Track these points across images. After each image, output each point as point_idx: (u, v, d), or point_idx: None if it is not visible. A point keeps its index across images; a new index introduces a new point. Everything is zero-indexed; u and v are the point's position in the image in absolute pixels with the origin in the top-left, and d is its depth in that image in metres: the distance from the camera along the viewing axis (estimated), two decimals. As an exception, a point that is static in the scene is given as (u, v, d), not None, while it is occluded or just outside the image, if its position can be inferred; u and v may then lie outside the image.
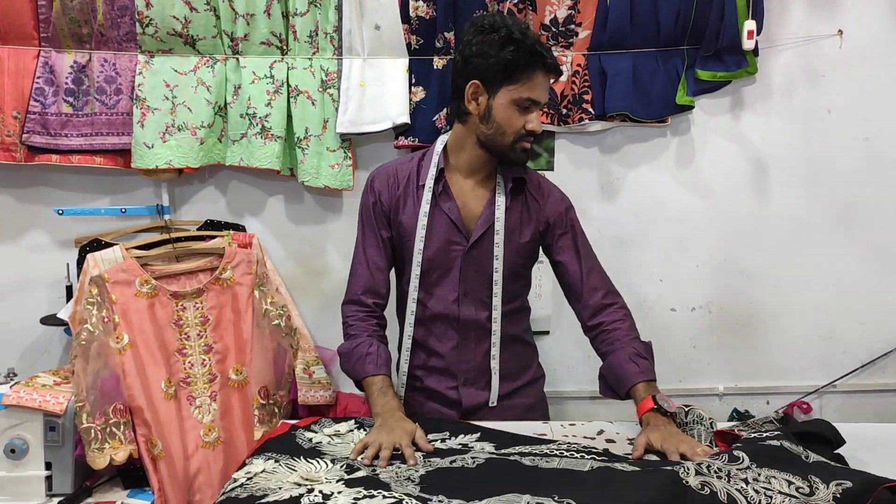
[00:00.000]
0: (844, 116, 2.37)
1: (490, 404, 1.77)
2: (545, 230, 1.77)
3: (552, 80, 1.69)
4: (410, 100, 2.20)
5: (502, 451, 1.45)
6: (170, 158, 2.15)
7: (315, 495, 1.22)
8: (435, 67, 2.21)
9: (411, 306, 1.75)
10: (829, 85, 2.35)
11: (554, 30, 2.21)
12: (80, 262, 2.16)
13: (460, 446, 1.49)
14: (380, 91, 2.19)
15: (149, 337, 2.05)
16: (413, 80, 2.20)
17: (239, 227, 2.30)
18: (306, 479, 1.32)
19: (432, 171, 1.72)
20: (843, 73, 2.35)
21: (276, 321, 2.16)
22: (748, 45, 2.16)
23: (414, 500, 1.20)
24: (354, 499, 1.21)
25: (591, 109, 2.24)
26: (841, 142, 2.38)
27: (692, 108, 2.29)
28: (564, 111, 2.26)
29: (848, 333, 2.46)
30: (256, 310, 2.14)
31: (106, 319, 1.99)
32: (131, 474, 1.97)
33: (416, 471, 1.35)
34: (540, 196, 1.77)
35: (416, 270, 1.73)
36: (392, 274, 1.84)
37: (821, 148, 2.38)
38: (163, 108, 2.16)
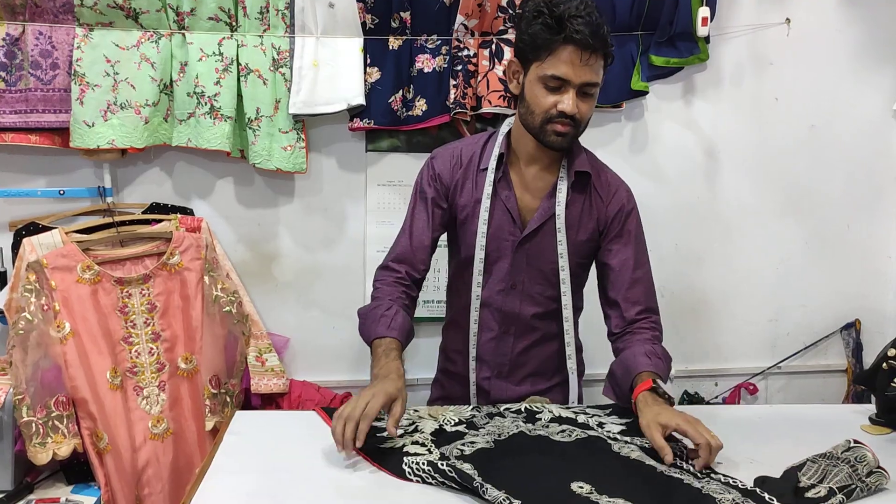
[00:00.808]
0: (791, 104, 2.42)
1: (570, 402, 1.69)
2: (603, 229, 1.66)
3: (590, 58, 1.46)
4: (366, 81, 2.15)
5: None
6: (112, 138, 2.05)
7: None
8: (390, 48, 2.16)
9: (476, 290, 1.66)
10: (776, 73, 2.40)
11: (511, 11, 2.19)
12: (16, 246, 2.05)
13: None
14: (334, 71, 2.13)
15: (92, 325, 1.97)
16: (368, 61, 2.15)
17: (186, 211, 2.22)
18: None
19: (494, 155, 1.62)
20: (790, 61, 2.40)
21: (227, 307, 2.09)
22: (702, 31, 2.18)
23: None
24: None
25: (547, 93, 2.22)
26: (787, 129, 2.43)
27: (647, 93, 2.30)
28: (521, 95, 2.24)
29: (792, 316, 2.53)
30: (206, 296, 2.07)
31: (45, 307, 1.90)
32: (75, 469, 1.90)
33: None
34: (604, 192, 1.66)
35: (479, 260, 1.63)
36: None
37: (768, 135, 2.43)
38: (103, 84, 2.05)
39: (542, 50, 1.48)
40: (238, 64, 2.10)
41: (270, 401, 2.20)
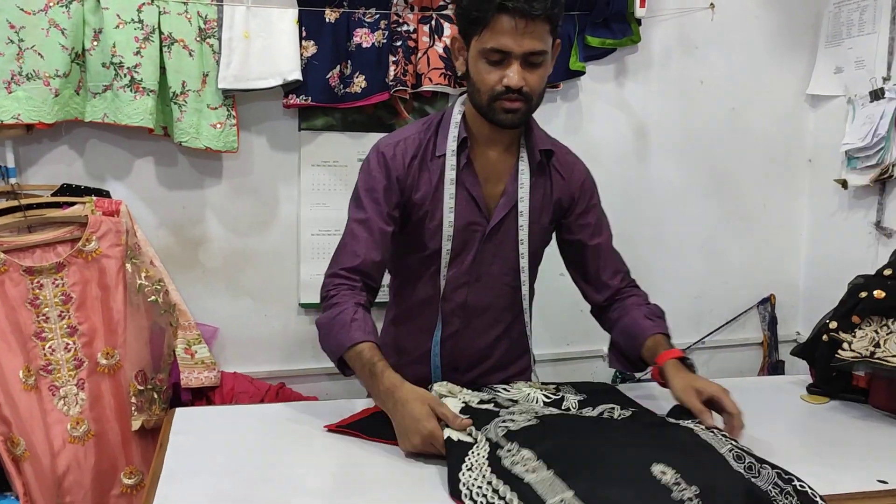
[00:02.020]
0: (714, 87, 2.50)
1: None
2: (568, 207, 1.61)
3: (528, 25, 1.36)
4: (301, 55, 2.03)
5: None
6: (18, 112, 1.85)
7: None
8: (327, 21, 2.05)
9: (442, 284, 1.54)
10: (702, 56, 2.47)
11: (449, -12, 2.13)
12: None
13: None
14: (267, 43, 2.01)
15: (0, 320, 1.77)
16: (304, 34, 2.04)
17: (102, 193, 2.04)
18: None
19: (453, 138, 1.49)
20: (714, 45, 2.47)
21: (153, 297, 1.94)
22: (640, 12, 2.22)
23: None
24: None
25: (486, 72, 2.19)
26: (711, 111, 2.51)
27: (583, 73, 2.31)
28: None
29: (715, 293, 2.62)
30: (129, 285, 1.91)
31: (-55, 301, 1.69)
32: (-12, 479, 1.71)
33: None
34: (564, 170, 1.60)
35: (446, 251, 1.51)
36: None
37: (694, 117, 2.50)
38: (7, 52, 1.84)
39: (479, 23, 1.38)
40: (161, 33, 1.94)
41: (201, 395, 2.07)
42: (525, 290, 1.60)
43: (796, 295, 2.68)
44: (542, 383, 1.59)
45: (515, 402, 1.45)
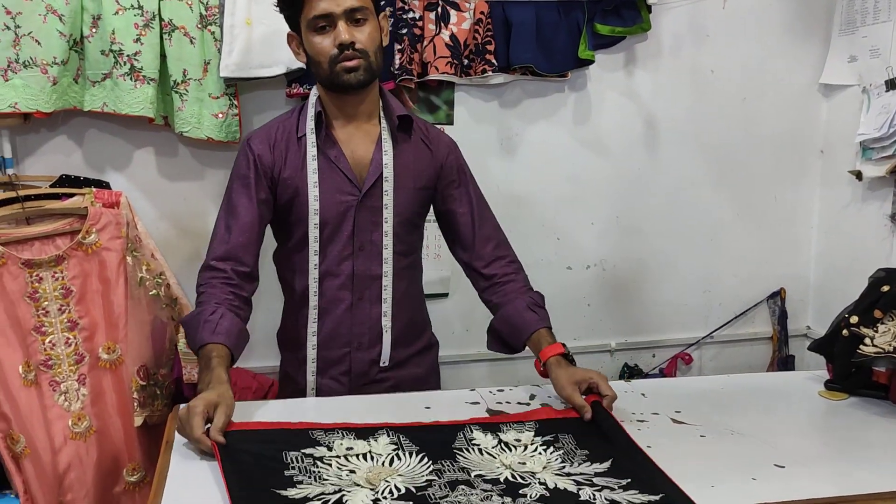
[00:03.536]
0: (725, 76, 2.45)
1: (381, 363, 1.65)
2: (437, 177, 1.66)
3: None
4: (305, 42, 1.99)
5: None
6: (15, 101, 1.81)
7: None
8: (332, 7, 2.01)
9: (313, 273, 1.58)
10: (712, 45, 2.43)
11: (457, -26, 2.09)
12: None
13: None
14: (270, 30, 1.96)
15: (-2, 314, 1.73)
16: (307, 21, 1.99)
17: (102, 184, 2.00)
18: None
19: (310, 118, 1.57)
20: (724, 34, 2.43)
21: (154, 291, 1.91)
22: (652, -1, 2.17)
23: None
24: None
25: (493, 61, 2.15)
26: (722, 101, 2.47)
27: (592, 62, 2.26)
28: (466, 62, 2.15)
29: (724, 287, 2.59)
30: (130, 278, 1.88)
31: (-59, 295, 1.65)
32: (-13, 477, 1.67)
33: None
34: (429, 141, 1.66)
35: (314, 225, 1.56)
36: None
37: (704, 107, 2.46)
38: (3, 39, 1.80)
39: (297, 3, 1.50)
40: (161, 19, 1.90)
41: (203, 390, 2.03)
42: (388, 253, 1.60)
43: (807, 289, 2.64)
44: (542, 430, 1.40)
45: (454, 488, 1.15)
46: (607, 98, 2.37)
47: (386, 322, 1.63)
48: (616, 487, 1.17)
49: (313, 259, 1.58)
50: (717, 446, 1.38)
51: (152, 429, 1.88)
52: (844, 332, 1.65)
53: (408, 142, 1.63)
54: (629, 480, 1.19)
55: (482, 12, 2.13)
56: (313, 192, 1.55)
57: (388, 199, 1.58)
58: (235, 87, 2.00)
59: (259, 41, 1.96)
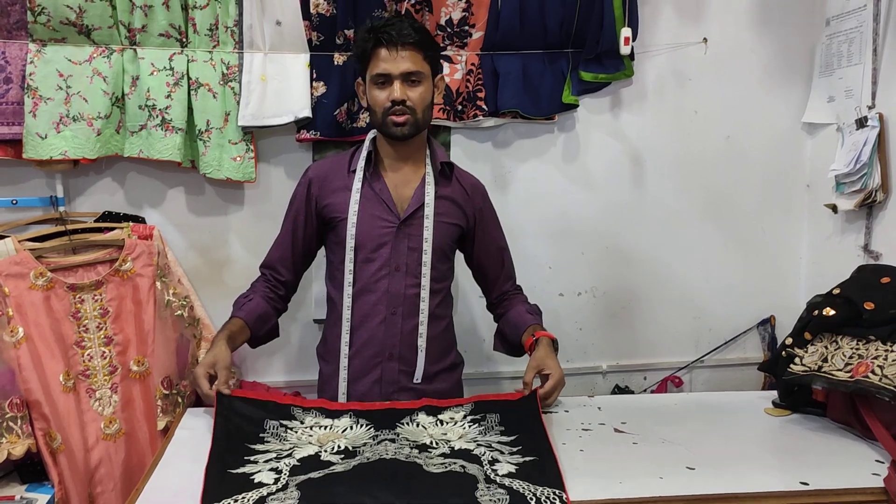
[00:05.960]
0: (708, 116, 2.61)
1: (415, 380, 1.86)
2: (471, 217, 1.93)
3: (400, 51, 1.74)
4: (312, 94, 2.26)
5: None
6: (65, 149, 2.12)
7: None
8: (335, 63, 2.28)
9: (348, 290, 1.84)
10: (695, 88, 2.59)
11: (449, 30, 2.33)
12: (-31, 255, 2.09)
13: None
14: (281, 85, 2.24)
15: (45, 330, 2.02)
16: (314, 76, 2.27)
17: (138, 219, 2.30)
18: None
19: (363, 155, 1.85)
20: (707, 77, 2.59)
21: (179, 311, 2.17)
22: (625, 50, 2.35)
23: None
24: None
25: (484, 106, 2.37)
26: (706, 139, 2.62)
27: (577, 106, 2.46)
28: (460, 107, 2.38)
29: (713, 313, 2.71)
30: (158, 300, 2.15)
31: (-1, 313, 1.95)
32: (29, 468, 1.95)
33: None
34: (468, 186, 1.94)
35: (350, 248, 1.83)
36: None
37: (689, 144, 2.61)
38: (56, 98, 2.12)
39: (366, 59, 1.78)
40: (189, 78, 2.20)
41: (221, 401, 2.28)
42: (426, 280, 1.84)
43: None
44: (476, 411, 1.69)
45: (380, 443, 1.51)
46: (594, 138, 2.55)
47: (421, 342, 1.86)
48: (505, 452, 1.45)
49: (348, 277, 1.84)
50: (643, 451, 1.53)
51: (174, 433, 2.13)
52: (783, 353, 1.79)
53: (447, 184, 1.90)
54: (520, 448, 1.48)
55: (473, 64, 2.37)
56: (352, 219, 1.82)
57: (427, 232, 1.84)
58: (252, 134, 2.27)
59: (272, 94, 2.24)
